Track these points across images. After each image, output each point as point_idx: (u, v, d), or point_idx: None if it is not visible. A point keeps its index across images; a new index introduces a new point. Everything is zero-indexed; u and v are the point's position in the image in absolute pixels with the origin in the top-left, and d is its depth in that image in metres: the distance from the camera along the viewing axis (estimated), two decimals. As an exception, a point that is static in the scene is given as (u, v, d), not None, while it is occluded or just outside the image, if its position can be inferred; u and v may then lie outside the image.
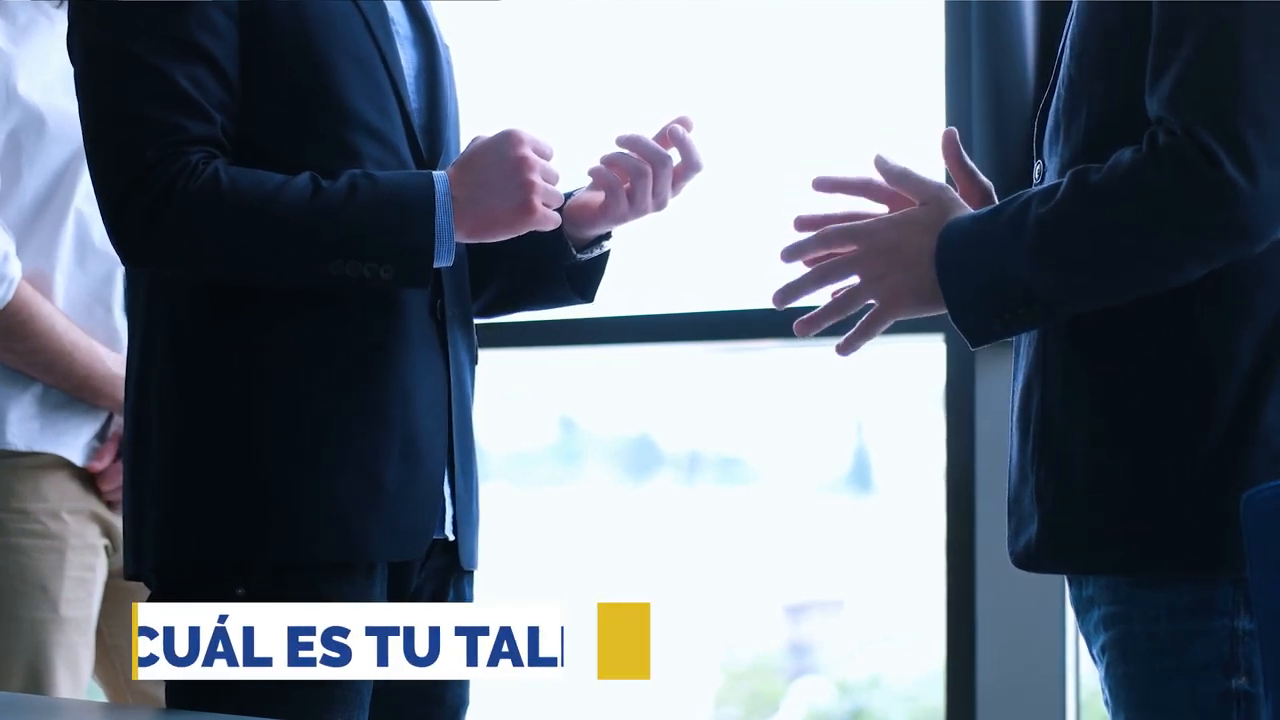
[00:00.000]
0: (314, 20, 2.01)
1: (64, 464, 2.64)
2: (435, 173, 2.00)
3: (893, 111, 3.28)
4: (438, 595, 2.10)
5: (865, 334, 1.96)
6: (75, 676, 2.65)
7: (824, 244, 1.96)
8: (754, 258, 3.45)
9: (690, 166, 2.10)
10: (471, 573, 2.15)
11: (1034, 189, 1.87)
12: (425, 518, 2.04)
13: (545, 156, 2.02)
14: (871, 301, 1.94)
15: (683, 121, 2.10)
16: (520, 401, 4.14)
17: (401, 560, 2.04)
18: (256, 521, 1.98)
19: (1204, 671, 1.84)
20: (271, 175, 1.97)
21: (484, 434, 4.17)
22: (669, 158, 2.09)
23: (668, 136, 2.10)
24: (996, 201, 1.99)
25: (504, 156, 1.99)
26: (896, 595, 3.99)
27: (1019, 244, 1.84)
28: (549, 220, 2.01)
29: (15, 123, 2.60)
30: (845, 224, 1.97)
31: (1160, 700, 1.87)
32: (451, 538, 2.09)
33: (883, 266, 1.93)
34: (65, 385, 2.63)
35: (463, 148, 2.15)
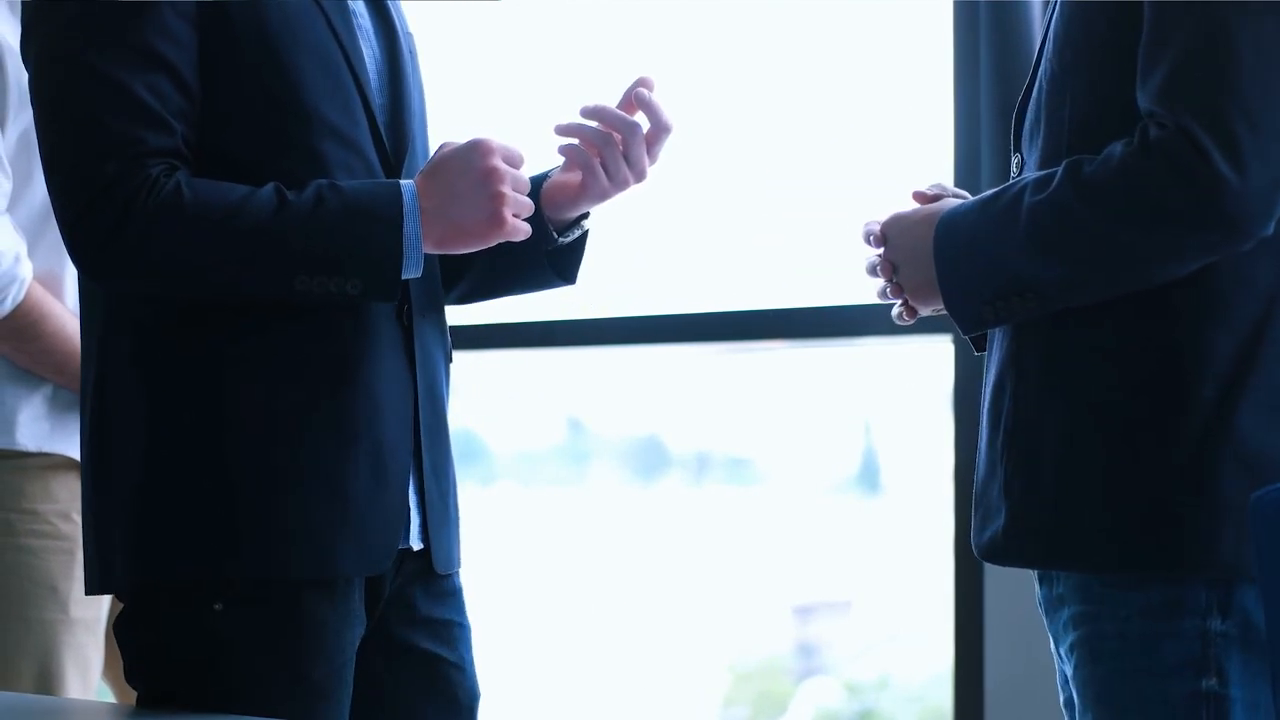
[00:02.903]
0: (275, 21, 1.97)
1: (74, 465, 2.64)
2: (403, 182, 1.96)
3: (901, 111, 3.28)
4: (414, 600, 2.08)
5: (908, 317, 2.01)
6: (85, 677, 2.65)
7: (867, 241, 2.01)
8: (761, 258, 3.45)
9: (660, 129, 2.06)
10: (451, 578, 2.13)
11: (1028, 177, 1.88)
12: (392, 531, 2.01)
13: (516, 165, 1.97)
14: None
15: (644, 83, 2.06)
16: (528, 402, 4.14)
17: (369, 573, 2.01)
18: (228, 540, 1.95)
19: (1174, 672, 1.85)
20: (235, 187, 1.93)
21: (491, 434, 4.17)
22: (636, 124, 2.05)
23: (632, 102, 2.06)
24: None
25: (472, 166, 1.95)
26: (904, 596, 3.99)
27: (1012, 232, 1.86)
28: (519, 232, 1.97)
29: (27, 123, 2.60)
30: (874, 221, 2.00)
31: (1129, 700, 1.87)
32: (418, 547, 2.06)
33: (901, 259, 1.96)
34: (76, 386, 2.63)
35: (431, 143, 2.12)
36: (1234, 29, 1.77)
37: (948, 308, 1.93)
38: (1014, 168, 1.98)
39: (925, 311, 2.00)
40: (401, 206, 1.93)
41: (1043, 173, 1.87)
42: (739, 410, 4.04)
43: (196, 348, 1.98)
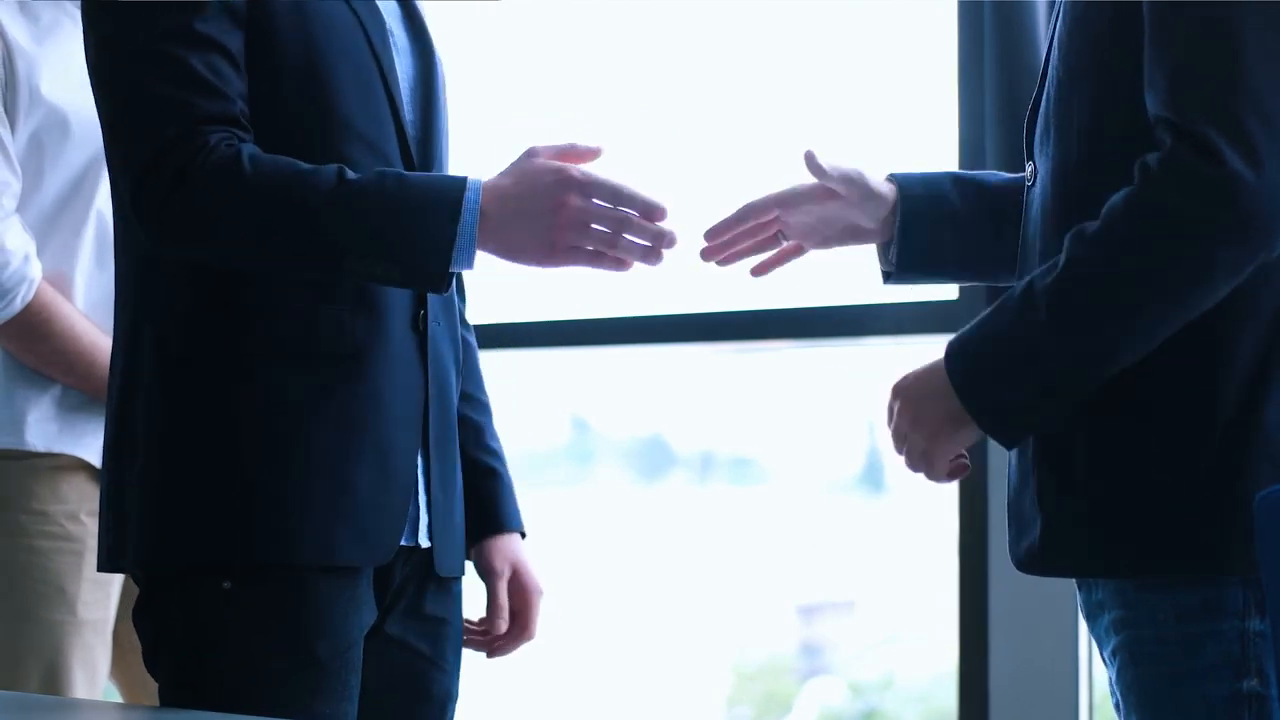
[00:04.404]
0: (317, 29, 2.00)
1: (83, 465, 2.65)
2: (469, 177, 1.95)
3: (906, 111, 3.29)
4: (412, 594, 2.11)
5: (936, 478, 1.96)
6: (92, 678, 2.65)
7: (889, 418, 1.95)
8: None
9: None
10: (453, 580, 2.15)
11: (1034, 273, 1.84)
12: (393, 525, 2.03)
13: (613, 200, 1.92)
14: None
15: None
16: (532, 402, 4.15)
17: (371, 564, 2.04)
18: (238, 524, 1.98)
19: (1214, 673, 1.84)
20: (295, 161, 1.94)
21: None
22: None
23: None
24: (864, 178, 2.08)
25: (549, 194, 1.92)
26: (909, 596, 3.99)
27: (1033, 322, 1.81)
28: (576, 260, 1.95)
29: (38, 123, 2.61)
30: (888, 392, 1.95)
31: (1171, 703, 1.86)
32: (426, 544, 2.09)
33: (913, 410, 1.91)
34: (85, 386, 2.64)
35: (450, 160, 2.14)
36: (1236, 23, 1.74)
37: (982, 426, 1.87)
38: (1027, 176, 1.96)
39: (949, 454, 1.92)
40: (463, 202, 1.92)
41: (1044, 265, 1.83)
42: (743, 410, 4.04)
43: (213, 336, 2.00)
